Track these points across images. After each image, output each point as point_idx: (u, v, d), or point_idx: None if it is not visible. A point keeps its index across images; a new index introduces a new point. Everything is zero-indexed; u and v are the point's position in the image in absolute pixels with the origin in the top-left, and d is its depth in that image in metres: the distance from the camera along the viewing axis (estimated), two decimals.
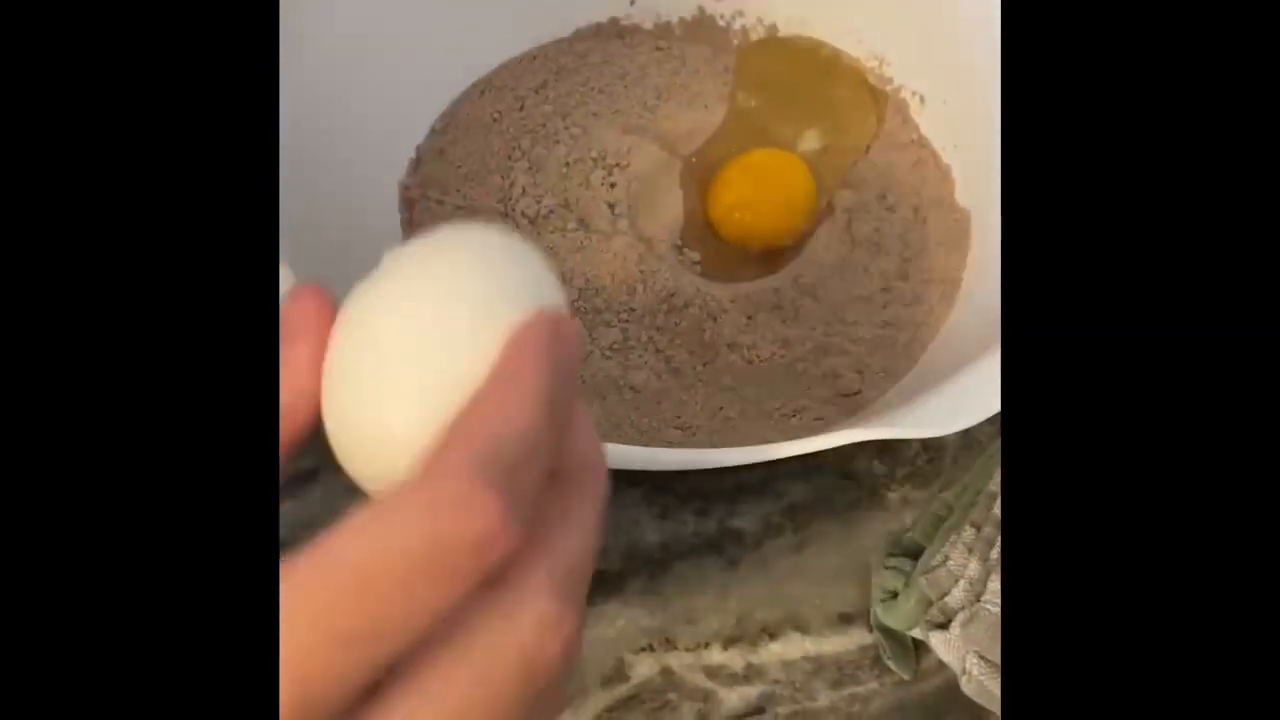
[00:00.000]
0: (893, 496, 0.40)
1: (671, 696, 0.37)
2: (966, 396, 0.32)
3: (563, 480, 0.20)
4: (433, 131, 0.45)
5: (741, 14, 0.48)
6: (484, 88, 0.46)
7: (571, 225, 0.42)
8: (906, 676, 0.36)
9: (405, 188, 0.43)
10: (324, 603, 0.17)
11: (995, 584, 0.34)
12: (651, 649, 0.37)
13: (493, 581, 0.18)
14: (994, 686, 0.33)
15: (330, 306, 0.20)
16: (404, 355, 0.19)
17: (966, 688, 0.34)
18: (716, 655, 0.37)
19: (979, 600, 0.34)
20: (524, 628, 0.18)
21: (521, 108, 0.45)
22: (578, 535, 0.20)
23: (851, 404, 0.40)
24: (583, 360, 0.20)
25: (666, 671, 0.37)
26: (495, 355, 0.19)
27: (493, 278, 0.20)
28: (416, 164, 0.44)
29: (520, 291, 0.20)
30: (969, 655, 0.34)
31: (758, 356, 0.41)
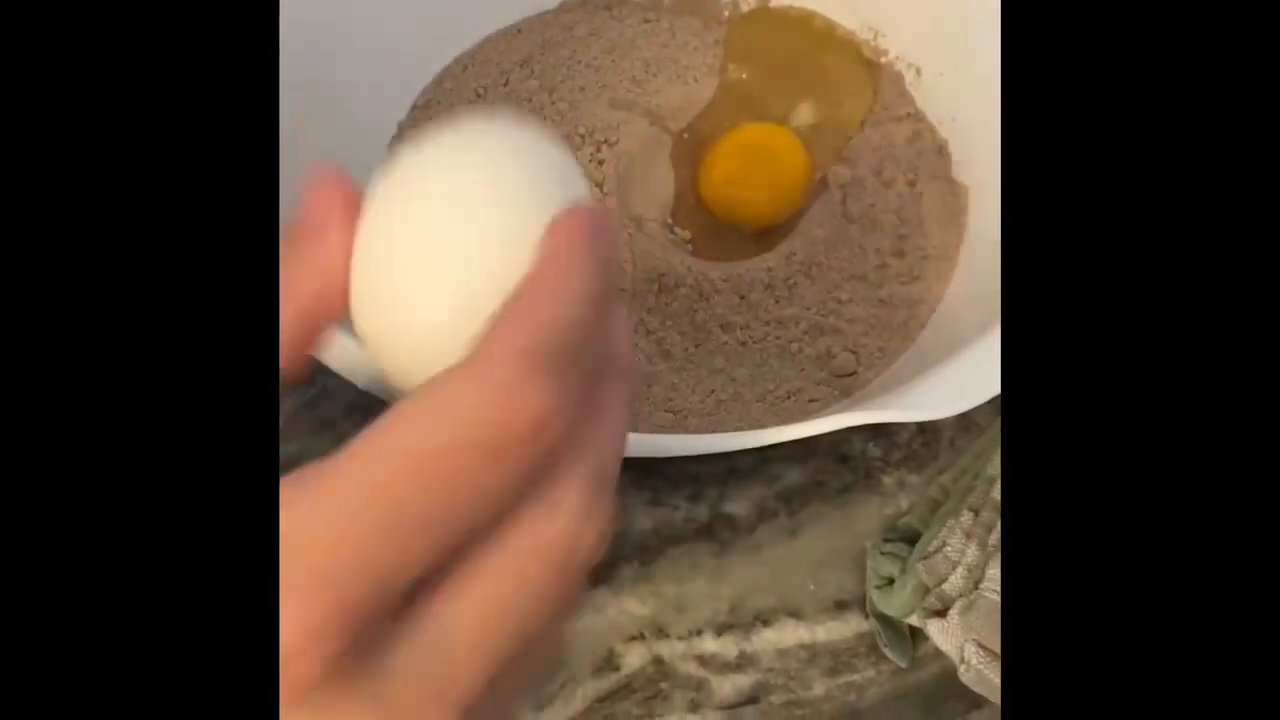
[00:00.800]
0: (888, 480, 0.39)
1: (663, 686, 0.36)
2: (964, 379, 0.31)
3: (593, 375, 0.20)
4: (415, 108, 0.43)
5: None
6: (467, 62, 0.44)
7: None
8: (903, 664, 0.35)
9: None
10: (379, 489, 0.17)
11: (994, 570, 0.33)
12: (643, 638, 0.36)
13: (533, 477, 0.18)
14: (993, 675, 0.32)
15: (356, 196, 0.20)
16: (440, 245, 0.19)
17: (965, 676, 0.33)
18: (709, 644, 0.36)
19: (977, 587, 0.33)
20: (561, 525, 0.18)
21: (506, 83, 0.44)
22: (610, 430, 0.19)
23: (847, 385, 0.39)
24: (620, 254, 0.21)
25: (658, 661, 0.36)
26: (529, 247, 0.19)
27: (524, 167, 0.20)
28: (399, 142, 0.43)
29: (551, 181, 0.20)
30: (967, 644, 0.33)
31: (751, 337, 0.40)
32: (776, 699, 0.36)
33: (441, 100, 0.43)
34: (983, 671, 0.33)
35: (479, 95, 0.44)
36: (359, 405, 0.40)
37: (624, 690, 0.36)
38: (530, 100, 0.43)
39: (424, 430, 0.17)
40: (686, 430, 0.38)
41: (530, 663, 0.19)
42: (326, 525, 0.17)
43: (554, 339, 0.18)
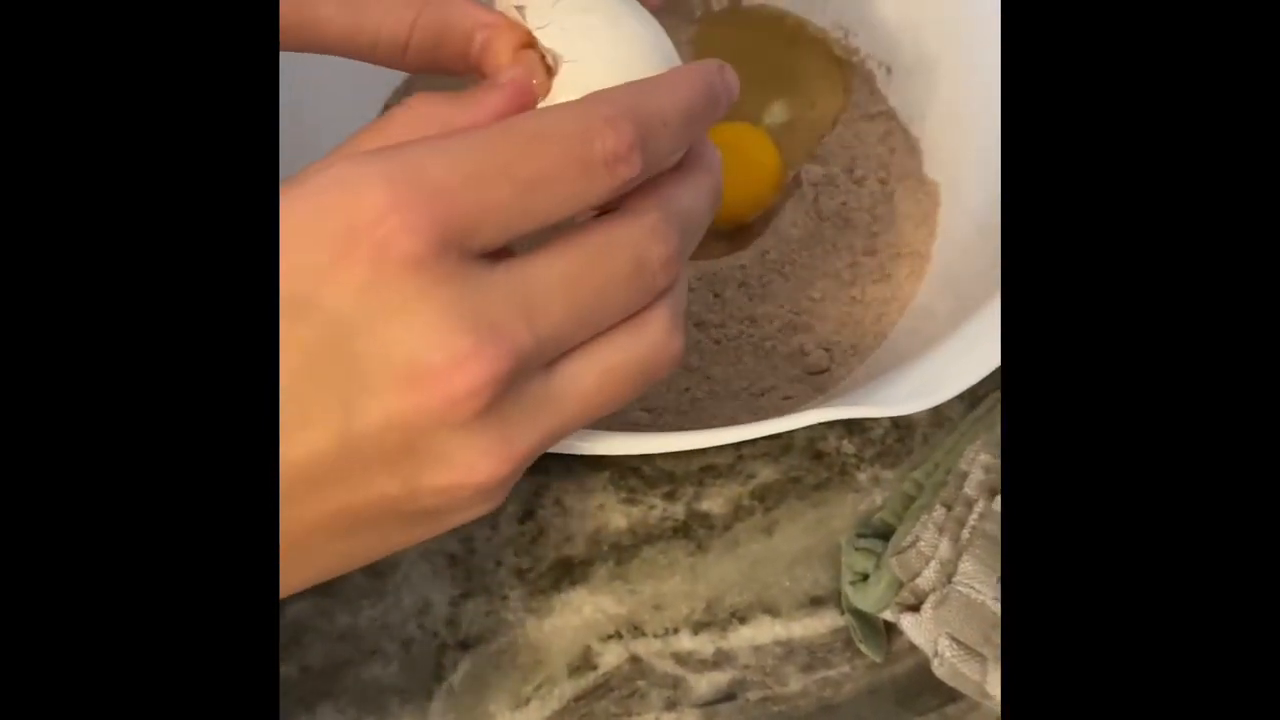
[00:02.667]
0: (862, 476, 0.39)
1: (640, 684, 0.36)
2: (937, 374, 0.31)
3: (682, 163, 0.26)
4: (387, 106, 0.43)
5: None
6: None
7: None
8: (878, 659, 0.36)
9: None
10: (501, 144, 0.22)
11: (967, 565, 0.33)
12: (619, 636, 0.37)
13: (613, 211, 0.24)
14: (966, 669, 0.33)
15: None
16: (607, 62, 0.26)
17: (939, 670, 0.34)
18: (686, 641, 0.37)
19: (950, 581, 0.33)
20: (648, 344, 0.25)
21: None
22: (691, 191, 0.26)
23: (819, 382, 0.39)
24: (730, 106, 0.27)
25: (635, 659, 0.36)
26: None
27: (651, 22, 0.28)
28: None
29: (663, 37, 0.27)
30: (941, 637, 0.33)
31: (725, 335, 0.40)
32: (753, 695, 0.36)
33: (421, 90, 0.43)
34: (956, 665, 0.33)
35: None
36: None
37: (601, 689, 0.36)
38: None
39: (529, 120, 0.23)
40: (663, 428, 0.38)
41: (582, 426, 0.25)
42: (441, 153, 0.22)
43: (651, 115, 0.24)
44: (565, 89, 0.25)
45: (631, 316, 0.25)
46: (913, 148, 0.44)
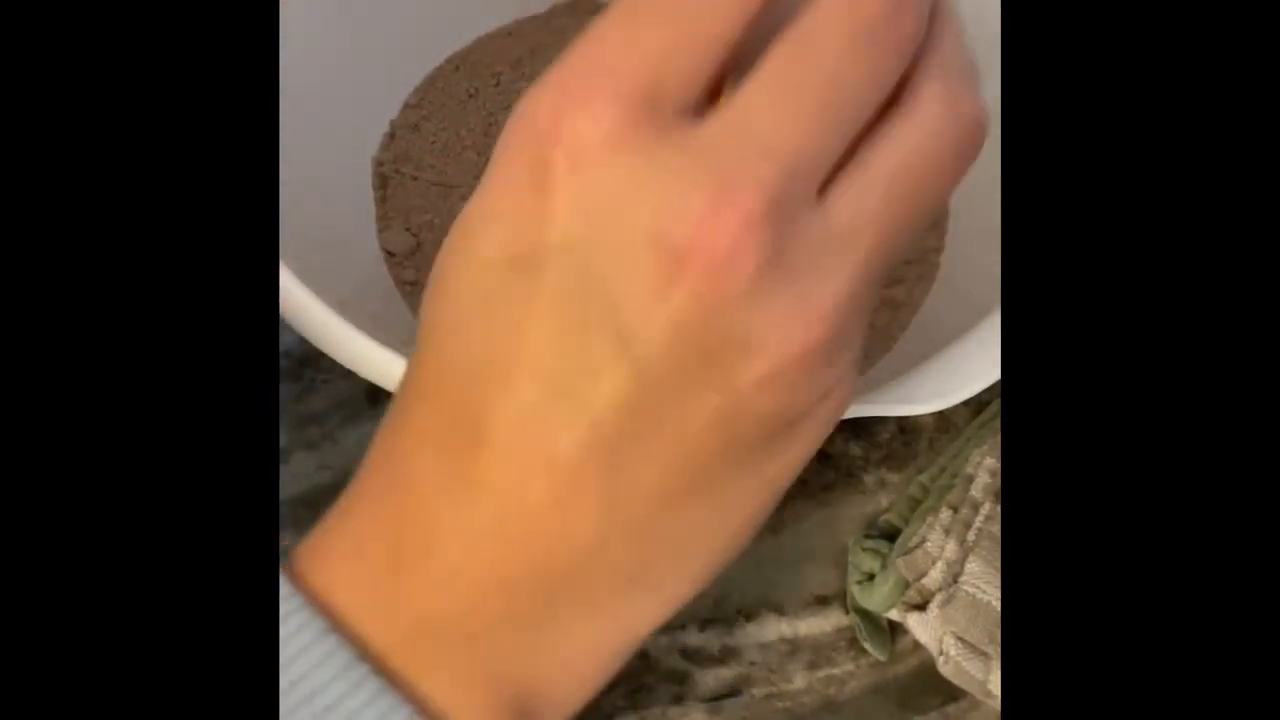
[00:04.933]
0: (869, 479, 0.39)
1: (647, 679, 0.36)
2: (950, 375, 0.31)
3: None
4: (406, 106, 0.44)
5: None
6: (459, 63, 0.45)
7: None
8: (883, 658, 0.36)
9: (379, 163, 0.43)
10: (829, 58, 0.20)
11: (973, 565, 0.34)
12: None
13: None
14: (971, 668, 0.33)
15: None
16: None
17: (944, 669, 0.34)
18: (693, 637, 0.37)
19: (956, 581, 0.34)
20: (929, 119, 0.21)
21: (497, 84, 0.44)
22: (952, 38, 0.22)
23: None
24: None
25: (642, 654, 0.37)
26: None
27: None
28: (390, 139, 0.43)
29: None
30: (946, 636, 0.33)
31: None
32: (758, 691, 0.36)
33: (434, 99, 0.44)
34: (961, 664, 0.33)
35: (470, 95, 0.44)
36: (347, 401, 0.40)
37: (607, 682, 0.36)
38: None
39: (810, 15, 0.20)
40: None
41: (894, 258, 0.22)
42: (585, 38, 0.20)
43: None
44: None
45: (895, 100, 0.21)
46: None
